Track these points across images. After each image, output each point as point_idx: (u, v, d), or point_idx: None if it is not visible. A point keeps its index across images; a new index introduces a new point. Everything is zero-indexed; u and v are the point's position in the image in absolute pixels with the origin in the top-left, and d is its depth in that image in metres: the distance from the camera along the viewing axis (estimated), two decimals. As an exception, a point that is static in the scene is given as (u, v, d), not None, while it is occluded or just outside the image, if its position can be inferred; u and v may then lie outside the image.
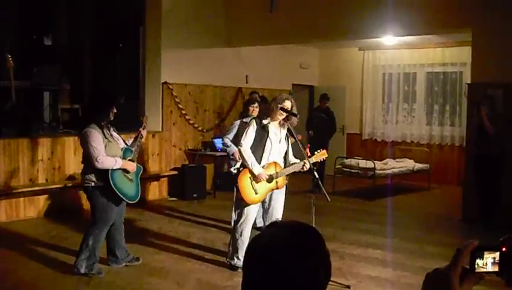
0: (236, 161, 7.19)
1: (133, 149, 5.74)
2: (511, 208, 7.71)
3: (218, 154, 10.12)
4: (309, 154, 5.78)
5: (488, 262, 1.14)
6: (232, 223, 7.00)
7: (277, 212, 5.93)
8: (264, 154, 5.74)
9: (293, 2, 10.39)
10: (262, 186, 5.71)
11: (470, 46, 8.97)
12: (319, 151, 5.86)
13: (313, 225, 4.55)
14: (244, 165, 5.81)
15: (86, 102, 6.11)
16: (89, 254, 5.57)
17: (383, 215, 9.06)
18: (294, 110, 5.72)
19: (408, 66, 12.89)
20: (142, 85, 10.63)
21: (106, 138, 5.47)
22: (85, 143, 5.42)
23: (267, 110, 5.89)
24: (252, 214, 5.91)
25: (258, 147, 5.71)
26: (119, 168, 5.51)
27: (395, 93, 13.10)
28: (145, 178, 9.38)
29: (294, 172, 5.90)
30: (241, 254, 5.76)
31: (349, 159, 11.47)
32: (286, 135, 5.87)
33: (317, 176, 5.51)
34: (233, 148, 7.40)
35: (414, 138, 12.83)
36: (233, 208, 7.32)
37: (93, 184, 5.49)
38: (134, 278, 5.71)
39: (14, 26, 11.16)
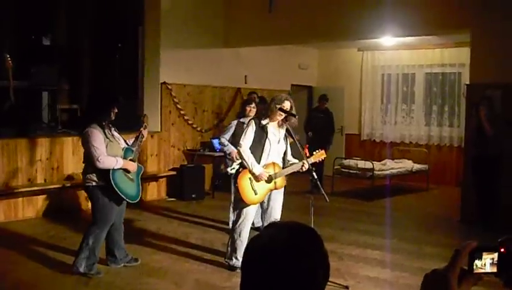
0: (233, 161, 7.19)
1: (134, 149, 5.75)
2: (509, 209, 7.71)
3: (216, 154, 10.11)
4: (308, 154, 5.78)
5: (486, 263, 1.14)
6: (230, 224, 7.01)
7: (275, 213, 5.93)
8: (263, 154, 5.74)
9: (292, 3, 10.40)
10: (262, 187, 5.71)
11: (468, 47, 8.99)
12: (317, 151, 5.87)
13: (312, 226, 4.55)
14: (243, 166, 5.81)
15: (87, 102, 6.09)
16: (89, 253, 5.56)
17: (382, 216, 9.06)
18: (293, 111, 5.72)
19: (407, 67, 12.90)
20: (140, 85, 10.63)
21: (107, 137, 5.47)
22: (86, 143, 5.43)
23: (266, 110, 5.89)
24: (251, 215, 5.91)
25: (257, 148, 5.71)
26: (120, 168, 5.52)
27: (393, 94, 13.11)
28: (144, 178, 9.34)
29: (293, 172, 5.90)
30: (240, 254, 5.76)
31: (347, 160, 11.47)
32: (285, 135, 5.87)
33: (316, 177, 5.51)
34: (230, 148, 7.40)
35: (413, 138, 12.84)
36: (231, 209, 7.33)
37: (94, 184, 5.49)
38: (133, 279, 5.70)
39: (13, 26, 11.16)
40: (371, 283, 5.71)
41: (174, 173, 10.24)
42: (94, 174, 5.47)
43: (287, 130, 5.83)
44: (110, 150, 5.46)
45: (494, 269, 1.14)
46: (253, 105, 7.72)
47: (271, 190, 5.81)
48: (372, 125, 13.46)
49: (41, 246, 6.74)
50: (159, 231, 7.68)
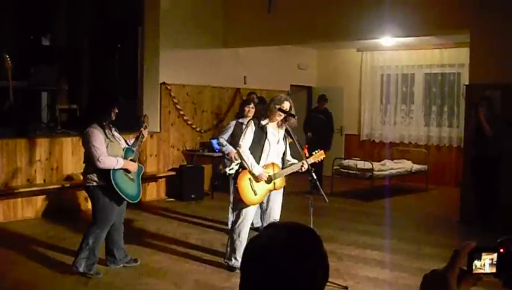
0: (232, 161, 7.19)
1: (135, 149, 5.76)
2: (508, 209, 7.72)
3: (216, 155, 10.10)
4: (307, 155, 5.78)
5: (485, 263, 1.14)
6: (229, 224, 7.00)
7: (275, 213, 5.93)
8: (262, 155, 5.73)
9: (291, 3, 10.40)
10: (261, 188, 5.71)
11: (468, 47, 8.99)
12: (316, 152, 5.87)
13: (311, 226, 4.56)
14: (242, 166, 5.81)
15: (88, 102, 6.10)
16: (89, 253, 5.57)
17: (381, 217, 9.07)
18: (293, 111, 5.72)
19: (406, 67, 12.90)
20: (140, 85, 10.63)
21: (108, 137, 5.48)
22: (87, 143, 5.44)
23: (266, 111, 5.89)
24: (250, 215, 5.91)
25: (257, 148, 5.71)
26: (121, 168, 5.53)
27: (393, 94, 13.11)
28: (143, 179, 9.32)
29: (293, 173, 5.90)
30: (239, 254, 5.76)
31: (347, 160, 11.48)
32: (284, 135, 5.87)
33: (315, 177, 5.51)
34: (228, 148, 7.39)
35: (412, 139, 12.84)
36: (230, 209, 7.32)
37: (94, 183, 5.50)
38: (132, 279, 5.70)
39: (13, 26, 11.16)
40: (370, 283, 5.71)
41: (173, 173, 10.24)
42: (95, 174, 5.48)
43: (286, 130, 5.83)
44: (111, 150, 5.47)
45: (493, 270, 1.14)
46: (251, 105, 7.71)
47: (270, 191, 5.81)
48: (372, 126, 13.46)
49: (41, 247, 6.74)
50: (159, 232, 7.68)
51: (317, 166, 6.34)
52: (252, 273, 1.34)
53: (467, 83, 8.92)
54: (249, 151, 5.68)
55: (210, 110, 11.39)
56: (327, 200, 5.47)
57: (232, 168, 7.10)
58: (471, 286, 1.16)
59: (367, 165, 10.78)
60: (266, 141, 5.72)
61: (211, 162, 10.58)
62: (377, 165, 11.01)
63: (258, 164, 5.69)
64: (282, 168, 5.85)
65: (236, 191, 5.80)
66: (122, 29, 11.14)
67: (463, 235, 7.83)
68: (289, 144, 5.99)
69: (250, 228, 6.05)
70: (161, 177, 10.24)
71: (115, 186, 5.44)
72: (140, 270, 5.96)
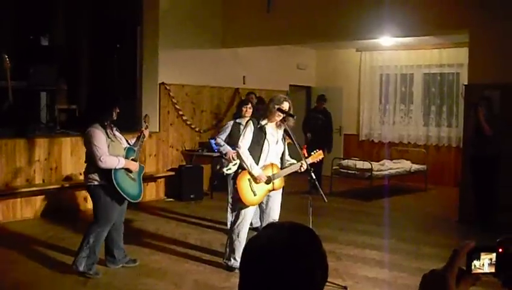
0: (230, 161, 7.19)
1: (136, 149, 5.79)
2: (507, 209, 7.72)
3: (215, 155, 10.08)
4: (306, 155, 5.78)
5: (484, 263, 1.14)
6: (228, 224, 7.00)
7: (274, 213, 5.93)
8: (261, 155, 5.73)
9: (290, 3, 10.39)
10: (261, 188, 5.71)
11: (467, 47, 9.00)
12: (315, 152, 5.88)
13: (310, 226, 4.55)
14: (240, 166, 5.81)
15: (89, 102, 6.12)
16: (89, 252, 5.57)
17: (380, 216, 9.07)
18: (291, 112, 5.73)
19: (405, 67, 12.90)
20: (139, 85, 10.62)
21: (109, 137, 5.50)
22: (88, 143, 5.46)
23: (265, 111, 5.89)
24: (249, 216, 5.92)
25: (256, 148, 5.71)
26: (122, 168, 5.54)
27: (392, 94, 13.11)
28: (142, 179, 9.35)
29: (292, 173, 5.90)
30: (238, 255, 5.76)
31: (346, 160, 11.48)
32: (283, 136, 5.87)
33: (314, 177, 5.51)
34: (226, 148, 7.38)
35: (411, 139, 12.85)
36: (229, 209, 7.31)
37: (96, 183, 5.51)
38: (131, 279, 5.70)
39: (12, 26, 11.16)
40: (369, 283, 5.71)
41: (172, 173, 10.24)
42: (96, 174, 5.50)
43: (285, 130, 5.83)
44: (112, 150, 5.49)
45: (492, 269, 1.14)
46: (249, 105, 7.71)
47: (270, 191, 5.81)
48: (371, 126, 13.47)
49: (40, 247, 6.74)
50: (158, 232, 7.68)
51: (316, 166, 6.34)
52: (251, 273, 1.34)
53: (466, 83, 8.92)
54: (248, 152, 5.67)
55: (209, 110, 11.39)
56: (326, 200, 5.47)
57: (230, 168, 7.10)
58: (470, 286, 1.16)
59: (366, 165, 10.79)
60: (265, 141, 5.72)
61: (210, 162, 10.57)
62: (376, 165, 11.02)
63: (257, 164, 5.69)
64: (281, 169, 5.86)
65: (236, 191, 5.79)
66: (121, 29, 11.14)
67: (462, 235, 7.83)
68: (288, 145, 6.00)
69: (250, 228, 6.05)
70: (160, 177, 10.24)
71: (116, 185, 5.46)
72: (139, 271, 5.95)
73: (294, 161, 5.88)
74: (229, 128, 7.62)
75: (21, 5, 11.14)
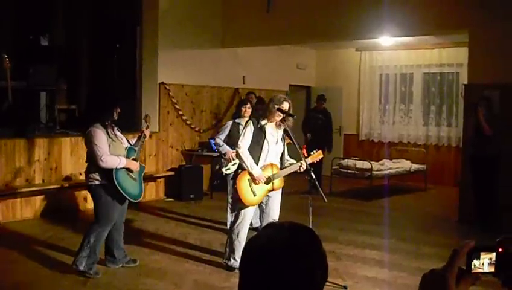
0: (229, 161, 7.19)
1: (137, 148, 5.80)
2: (507, 209, 7.72)
3: (215, 155, 10.09)
4: (306, 155, 5.78)
5: (484, 263, 1.14)
6: (228, 224, 7.00)
7: (274, 213, 5.93)
8: (261, 155, 5.73)
9: (290, 3, 10.39)
10: (261, 189, 5.71)
11: (466, 47, 8.99)
12: (315, 152, 5.88)
13: (310, 226, 4.55)
14: (241, 167, 5.80)
15: (90, 102, 6.14)
16: (90, 251, 5.58)
17: (380, 216, 9.07)
18: (291, 112, 5.73)
19: (405, 67, 12.91)
20: (139, 85, 10.62)
21: (110, 137, 5.52)
22: (89, 142, 5.48)
23: (265, 111, 5.88)
24: (249, 216, 5.92)
25: (256, 148, 5.71)
26: (123, 167, 5.55)
27: (391, 94, 13.12)
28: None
29: (291, 172, 5.90)
30: (238, 255, 5.76)
31: (346, 160, 11.48)
32: (282, 136, 5.87)
33: (314, 177, 5.51)
34: (225, 148, 7.38)
35: (411, 138, 12.85)
36: (229, 209, 7.31)
37: (97, 182, 5.53)
38: (131, 279, 5.70)
39: (11, 26, 11.15)
40: (369, 283, 5.71)
41: (172, 173, 10.24)
42: (97, 173, 5.51)
43: (285, 130, 5.83)
44: (113, 150, 5.50)
45: (492, 269, 1.14)
46: (248, 105, 7.71)
47: (269, 191, 5.81)
48: (370, 126, 13.47)
49: (40, 247, 6.74)
50: (157, 232, 7.68)
51: (316, 166, 6.34)
52: (251, 273, 1.34)
53: (466, 83, 8.93)
54: (248, 152, 5.67)
55: (209, 110, 11.39)
56: (326, 200, 5.46)
57: (229, 168, 7.11)
58: (470, 286, 1.16)
59: (366, 164, 10.79)
60: (265, 141, 5.72)
61: (209, 162, 10.57)
62: (375, 165, 11.02)
63: (257, 164, 5.69)
64: (281, 169, 5.86)
65: (236, 191, 5.79)
66: (121, 29, 11.14)
67: (462, 234, 7.83)
68: (287, 145, 5.99)
69: (249, 228, 6.05)
70: (160, 177, 10.24)
71: (117, 185, 5.48)
72: (139, 271, 5.95)
73: (294, 161, 5.88)
74: (228, 128, 7.62)
75: (21, 5, 11.14)
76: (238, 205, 5.86)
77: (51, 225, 7.91)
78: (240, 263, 1.39)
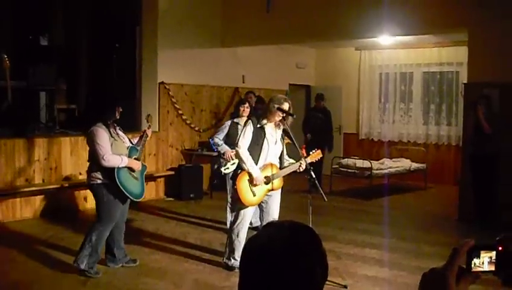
0: (228, 161, 7.19)
1: (139, 148, 5.82)
2: (507, 208, 7.73)
3: (215, 154, 10.09)
4: (305, 154, 5.78)
5: (484, 261, 1.14)
6: (228, 224, 7.00)
7: (273, 212, 5.93)
8: (261, 155, 5.73)
9: (289, 2, 10.39)
10: (260, 189, 5.71)
11: (466, 45, 8.99)
12: (313, 151, 5.88)
13: (310, 225, 4.55)
14: (240, 167, 5.80)
15: (92, 101, 6.17)
16: (91, 250, 5.58)
17: (380, 215, 9.07)
18: (291, 112, 5.73)
19: (404, 66, 12.90)
20: (138, 85, 10.62)
21: (112, 136, 5.54)
22: (91, 141, 5.50)
23: (265, 111, 5.88)
24: (249, 215, 5.92)
25: (255, 148, 5.70)
26: (125, 167, 5.57)
27: (391, 93, 13.11)
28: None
29: (291, 172, 5.90)
30: (238, 254, 5.76)
31: (346, 159, 11.48)
32: (282, 135, 5.87)
33: (314, 176, 5.51)
34: (224, 148, 7.39)
35: (411, 137, 12.84)
36: (229, 209, 7.31)
37: (99, 181, 5.54)
38: (131, 279, 5.70)
39: (11, 26, 11.15)
40: (369, 282, 5.72)
41: (172, 172, 10.24)
42: (99, 172, 5.53)
43: (285, 130, 5.83)
44: (115, 149, 5.52)
45: (492, 268, 1.14)
46: (246, 105, 7.70)
47: (269, 191, 5.80)
48: (370, 125, 13.46)
49: (40, 246, 6.74)
50: (157, 231, 7.68)
51: (316, 165, 6.34)
52: (251, 272, 1.34)
53: (465, 82, 8.93)
54: (248, 152, 5.66)
55: (209, 110, 11.39)
56: (326, 199, 5.47)
57: (228, 168, 7.11)
58: (470, 284, 1.16)
59: (366, 164, 10.79)
60: (265, 141, 5.71)
61: (209, 161, 10.56)
62: (375, 164, 11.01)
63: (257, 164, 5.69)
64: (280, 169, 5.86)
65: (235, 192, 5.79)
66: (120, 29, 11.15)
67: (462, 233, 7.83)
68: (286, 144, 5.99)
69: (249, 227, 6.05)
70: (160, 176, 10.24)
71: (119, 184, 5.49)
72: (139, 270, 5.96)
73: (293, 161, 5.88)
74: (227, 128, 7.62)
75: (20, 5, 11.13)
76: (238, 205, 5.86)
77: (50, 225, 7.91)
78: (240, 262, 1.39)
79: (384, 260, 6.48)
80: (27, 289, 5.47)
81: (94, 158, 5.51)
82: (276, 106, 5.63)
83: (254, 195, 5.69)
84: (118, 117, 5.67)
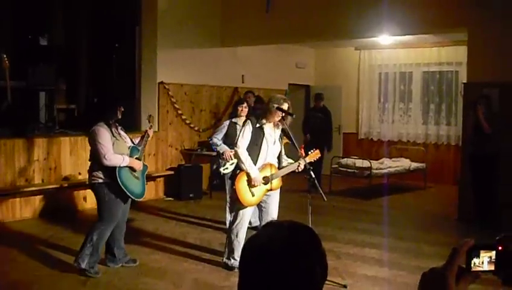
0: (227, 161, 7.19)
1: (140, 148, 5.84)
2: (506, 207, 7.73)
3: (214, 154, 10.08)
4: (304, 154, 5.78)
5: (484, 261, 1.14)
6: (227, 224, 7.00)
7: (272, 212, 5.93)
8: (260, 155, 5.73)
9: (289, 2, 10.38)
10: (259, 189, 5.71)
11: (465, 45, 8.99)
12: (312, 151, 5.88)
13: (310, 225, 4.55)
14: (238, 167, 5.80)
15: (94, 101, 6.18)
16: (92, 249, 5.59)
17: (380, 215, 9.07)
18: (290, 111, 5.73)
19: (404, 66, 12.90)
20: (138, 85, 10.61)
21: (114, 136, 5.56)
22: (93, 141, 5.52)
23: (264, 111, 5.88)
24: (248, 215, 5.92)
25: (254, 148, 5.70)
26: (127, 166, 5.58)
27: (391, 92, 13.11)
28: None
29: (291, 172, 5.90)
30: (237, 254, 5.76)
31: (345, 159, 11.48)
32: (280, 135, 5.87)
33: (313, 176, 5.51)
34: (223, 148, 7.39)
35: (410, 137, 12.85)
36: (228, 209, 7.31)
37: (100, 181, 5.55)
38: (131, 279, 5.70)
39: (10, 26, 11.13)
40: (369, 282, 5.72)
41: (171, 172, 10.24)
42: (100, 172, 5.54)
43: (284, 130, 5.84)
44: (117, 149, 5.54)
45: (492, 267, 1.14)
46: (244, 105, 7.71)
47: (268, 191, 5.81)
48: (370, 124, 13.47)
49: (40, 246, 6.74)
50: (157, 231, 7.68)
51: (315, 165, 6.34)
52: (250, 272, 1.34)
53: (465, 81, 8.93)
54: (247, 153, 5.66)
55: (208, 110, 11.39)
56: (325, 199, 5.47)
57: (227, 168, 7.11)
58: (470, 284, 1.16)
59: (365, 163, 10.79)
60: (264, 141, 5.71)
61: (209, 161, 10.55)
62: (375, 164, 11.01)
63: (256, 164, 5.69)
64: (279, 168, 5.86)
65: (234, 192, 5.79)
66: (120, 29, 11.14)
67: (461, 233, 7.84)
68: (285, 144, 6.00)
69: (249, 227, 6.05)
70: (159, 176, 10.24)
71: (120, 183, 5.50)
72: (139, 270, 5.96)
73: (292, 161, 5.88)
74: (226, 128, 7.62)
75: (20, 5, 11.12)
76: (237, 205, 5.86)
77: (50, 225, 7.90)
78: (240, 262, 1.39)
79: (384, 260, 6.48)
80: (27, 289, 5.47)
81: (96, 157, 5.53)
82: (276, 105, 5.63)
83: (253, 195, 5.69)
84: (119, 117, 5.68)
